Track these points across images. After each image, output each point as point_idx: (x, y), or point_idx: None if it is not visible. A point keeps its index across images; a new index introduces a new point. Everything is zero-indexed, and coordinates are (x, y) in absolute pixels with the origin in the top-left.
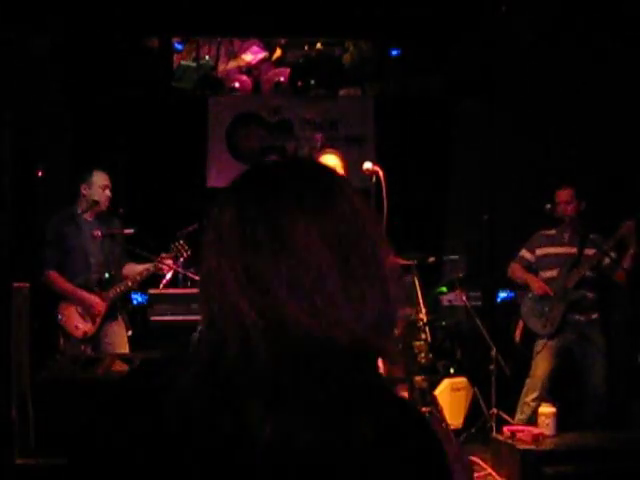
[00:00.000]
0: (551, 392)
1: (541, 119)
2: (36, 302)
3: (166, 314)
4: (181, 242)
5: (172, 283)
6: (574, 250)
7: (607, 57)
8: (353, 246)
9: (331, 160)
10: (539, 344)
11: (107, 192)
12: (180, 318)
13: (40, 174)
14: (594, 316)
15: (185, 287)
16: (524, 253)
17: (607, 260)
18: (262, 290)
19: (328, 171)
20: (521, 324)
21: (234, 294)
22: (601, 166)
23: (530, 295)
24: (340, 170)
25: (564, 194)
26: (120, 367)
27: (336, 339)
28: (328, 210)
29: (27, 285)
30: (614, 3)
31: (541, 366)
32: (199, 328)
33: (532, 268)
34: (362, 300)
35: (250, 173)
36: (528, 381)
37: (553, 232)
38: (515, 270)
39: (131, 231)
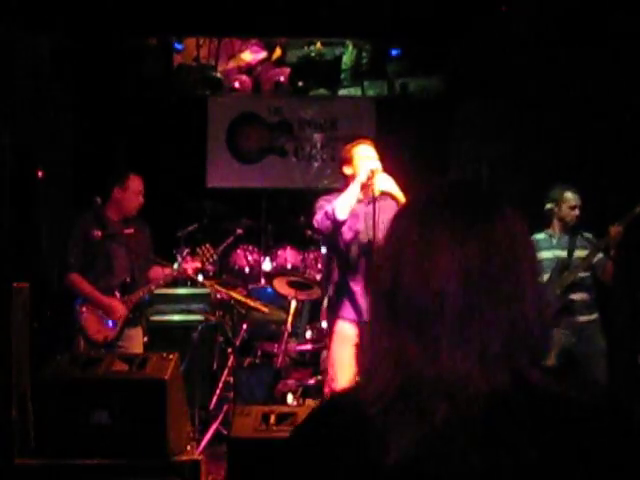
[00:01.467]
0: None
1: (542, 119)
2: (36, 302)
3: (166, 314)
4: (207, 246)
5: (172, 283)
6: (564, 253)
7: (608, 57)
8: (503, 271)
9: (369, 151)
10: None
11: (140, 198)
12: (180, 318)
13: (40, 174)
14: (593, 316)
15: (185, 287)
16: None
17: (598, 256)
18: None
19: (495, 198)
20: None
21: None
22: (602, 165)
23: None
24: (376, 155)
25: (575, 198)
26: (120, 367)
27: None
28: (489, 235)
29: (27, 285)
30: (615, 3)
31: None
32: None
33: None
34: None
35: (431, 193)
36: None
37: (542, 235)
38: None
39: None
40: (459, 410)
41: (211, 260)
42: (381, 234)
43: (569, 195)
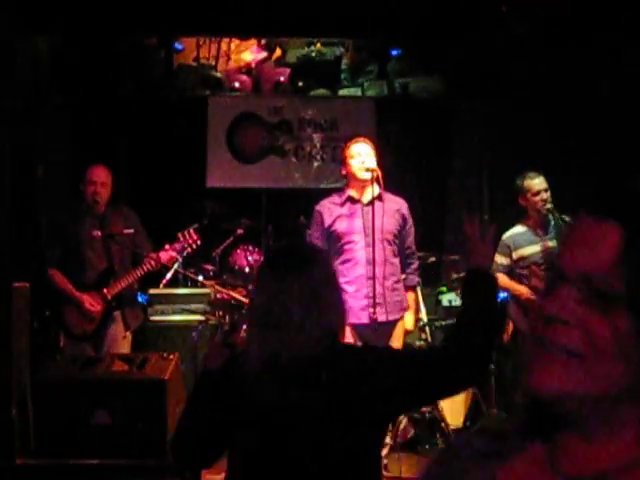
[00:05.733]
0: None
1: (542, 119)
2: (36, 302)
3: (166, 314)
4: (191, 231)
5: (172, 283)
6: (553, 244)
7: (608, 57)
8: (321, 295)
9: (364, 147)
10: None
11: (93, 188)
12: (180, 318)
13: (40, 174)
14: None
15: (185, 287)
16: (499, 259)
17: None
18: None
19: (313, 254)
20: (511, 326)
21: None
22: (602, 163)
23: (515, 298)
24: (373, 155)
25: (537, 183)
26: (120, 367)
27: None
28: (310, 276)
29: (27, 285)
30: (614, 3)
31: None
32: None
33: (511, 271)
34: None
35: (271, 256)
36: (520, 392)
37: (523, 229)
38: (499, 280)
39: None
40: (297, 368)
41: (194, 247)
42: (378, 235)
43: (530, 182)
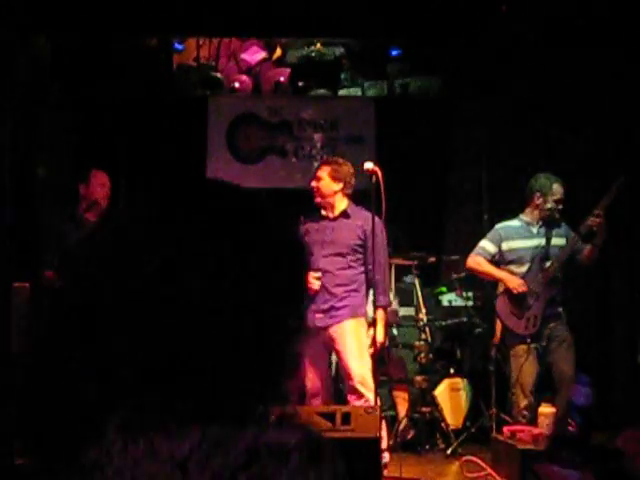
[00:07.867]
0: (538, 391)
1: (542, 119)
2: (36, 302)
3: None
4: None
5: None
6: (544, 242)
7: (607, 57)
8: None
9: (322, 172)
10: (519, 349)
11: (105, 190)
12: None
13: (40, 174)
14: (561, 308)
15: None
16: (487, 245)
17: (578, 243)
18: None
19: None
20: (499, 325)
21: None
22: (602, 163)
23: (504, 294)
24: (332, 176)
25: (562, 192)
26: None
27: None
28: None
29: (27, 285)
30: (614, 3)
31: (527, 371)
32: None
33: (493, 261)
34: None
35: None
36: (515, 390)
37: (519, 224)
38: (481, 263)
39: None
40: None
41: None
42: (331, 248)
43: (557, 188)
